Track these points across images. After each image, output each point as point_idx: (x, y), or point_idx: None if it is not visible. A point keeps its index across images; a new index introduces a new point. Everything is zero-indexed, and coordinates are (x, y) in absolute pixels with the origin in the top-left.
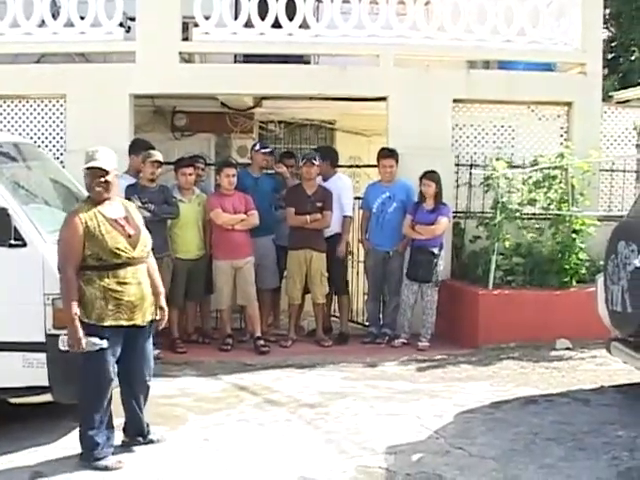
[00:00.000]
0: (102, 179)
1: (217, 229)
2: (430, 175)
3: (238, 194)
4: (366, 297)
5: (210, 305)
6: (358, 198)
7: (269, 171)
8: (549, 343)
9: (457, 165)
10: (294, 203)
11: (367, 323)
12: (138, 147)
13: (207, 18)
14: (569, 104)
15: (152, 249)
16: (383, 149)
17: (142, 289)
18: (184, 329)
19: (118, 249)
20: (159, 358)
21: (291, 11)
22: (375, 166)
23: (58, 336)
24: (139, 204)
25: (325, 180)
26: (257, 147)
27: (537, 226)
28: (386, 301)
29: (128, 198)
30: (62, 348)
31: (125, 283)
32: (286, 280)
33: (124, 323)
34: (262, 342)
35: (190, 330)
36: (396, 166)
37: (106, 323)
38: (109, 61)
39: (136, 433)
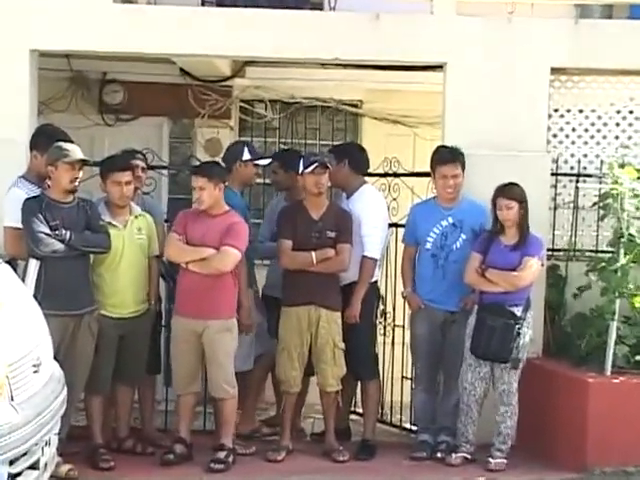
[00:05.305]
0: None
1: (180, 267)
2: (510, 191)
3: (228, 217)
4: (411, 384)
5: (155, 391)
6: (395, 225)
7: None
8: None
9: (555, 174)
10: (292, 232)
11: (415, 427)
12: (46, 138)
13: None
14: None
15: (66, 304)
16: (441, 149)
17: None
18: (112, 431)
19: None
20: (70, 478)
21: None
22: (424, 175)
23: None
24: (45, 230)
25: (349, 197)
26: (246, 155)
27: None
28: (441, 392)
29: (27, 219)
30: None
31: None
32: (278, 354)
33: None
34: (221, 455)
35: (122, 432)
36: (462, 176)
37: None
38: None
39: None
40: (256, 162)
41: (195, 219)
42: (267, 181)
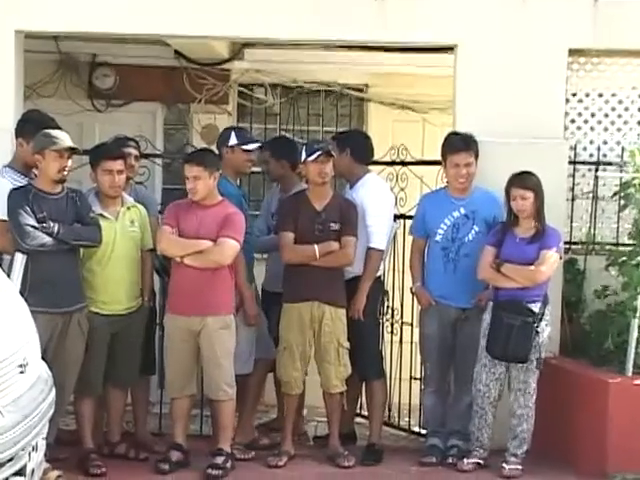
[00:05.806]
0: None
1: (173, 262)
2: (525, 180)
3: (223, 207)
4: (420, 385)
5: (149, 393)
6: (403, 217)
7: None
8: None
9: (573, 163)
10: (293, 224)
11: (424, 431)
12: (33, 125)
13: None
14: None
15: (54, 300)
16: (453, 136)
17: None
18: (104, 435)
19: None
20: None
21: None
22: (435, 163)
23: None
24: (32, 222)
25: (352, 187)
26: (232, 140)
27: None
28: (452, 393)
29: (13, 211)
30: None
31: None
32: (278, 354)
33: None
34: (219, 460)
35: (114, 437)
36: (475, 165)
37: None
38: None
39: None
40: (243, 147)
41: (187, 210)
42: None
